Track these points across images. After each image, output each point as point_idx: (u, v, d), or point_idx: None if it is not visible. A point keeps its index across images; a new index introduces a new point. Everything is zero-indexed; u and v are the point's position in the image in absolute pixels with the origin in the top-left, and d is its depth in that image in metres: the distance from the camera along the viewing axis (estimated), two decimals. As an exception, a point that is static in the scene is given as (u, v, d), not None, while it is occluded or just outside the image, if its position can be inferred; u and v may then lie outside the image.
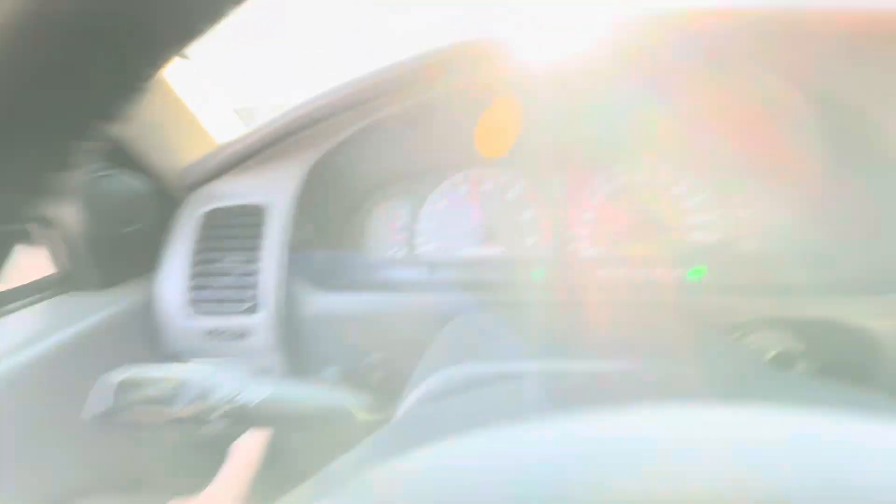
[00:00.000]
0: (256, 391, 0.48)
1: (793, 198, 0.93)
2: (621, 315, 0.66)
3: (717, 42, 0.64)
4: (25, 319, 0.78)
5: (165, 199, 0.99)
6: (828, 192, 0.84)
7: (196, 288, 0.89)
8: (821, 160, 0.80)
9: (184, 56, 0.96)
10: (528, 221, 1.07)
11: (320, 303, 0.88)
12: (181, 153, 0.98)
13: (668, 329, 0.63)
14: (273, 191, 0.90)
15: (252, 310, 0.87)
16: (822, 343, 0.76)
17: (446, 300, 0.84)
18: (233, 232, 0.93)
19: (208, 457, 0.49)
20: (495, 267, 1.08)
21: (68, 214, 0.83)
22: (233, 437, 0.51)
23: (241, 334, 0.89)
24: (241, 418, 0.46)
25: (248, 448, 0.51)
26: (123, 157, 0.92)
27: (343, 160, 0.93)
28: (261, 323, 0.87)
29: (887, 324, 0.68)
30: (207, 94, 1.04)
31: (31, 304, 0.82)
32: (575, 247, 1.04)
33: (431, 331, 0.80)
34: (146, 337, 0.91)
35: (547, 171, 1.06)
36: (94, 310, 0.84)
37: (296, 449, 0.52)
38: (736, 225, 0.97)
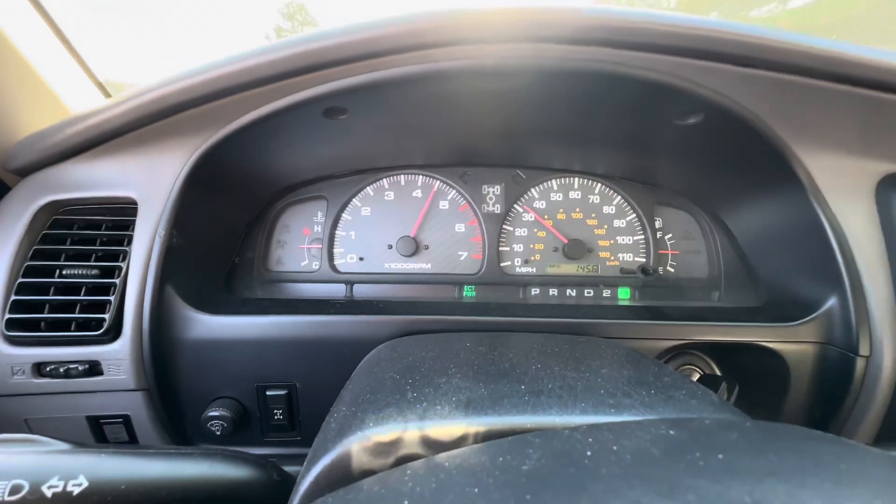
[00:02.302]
0: (78, 472, 0.32)
1: (710, 225, 0.98)
2: (553, 343, 0.61)
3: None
4: None
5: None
6: (745, 220, 0.89)
7: (17, 306, 0.65)
8: (739, 187, 0.85)
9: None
10: (461, 235, 0.99)
11: (206, 326, 0.70)
12: (10, 123, 0.73)
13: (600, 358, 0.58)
14: (148, 182, 0.71)
15: (109, 335, 0.66)
16: (738, 366, 0.79)
17: (367, 322, 0.72)
18: (84, 233, 0.71)
19: None
20: (422, 284, 0.98)
21: None
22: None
23: (90, 368, 0.67)
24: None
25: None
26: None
27: (244, 151, 0.76)
28: (121, 352, 0.67)
29: (793, 347, 0.72)
30: (61, 46, 0.80)
31: None
32: (508, 264, 0.99)
33: (349, 356, 0.68)
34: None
35: (485, 181, 1.00)
36: None
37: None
38: (660, 249, 0.99)
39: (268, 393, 0.74)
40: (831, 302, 0.71)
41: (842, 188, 0.70)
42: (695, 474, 0.25)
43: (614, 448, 0.29)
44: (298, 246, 0.98)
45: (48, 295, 0.67)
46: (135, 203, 0.70)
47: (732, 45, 0.59)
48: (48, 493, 0.30)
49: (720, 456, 0.27)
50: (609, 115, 0.76)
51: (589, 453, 0.29)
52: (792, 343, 0.72)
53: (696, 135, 0.75)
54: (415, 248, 0.97)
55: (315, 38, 0.59)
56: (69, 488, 0.31)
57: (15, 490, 0.29)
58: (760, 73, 0.61)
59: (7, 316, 0.64)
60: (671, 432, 0.31)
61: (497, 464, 0.29)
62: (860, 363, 0.67)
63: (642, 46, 0.59)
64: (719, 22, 0.58)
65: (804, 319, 0.72)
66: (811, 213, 0.70)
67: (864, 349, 0.66)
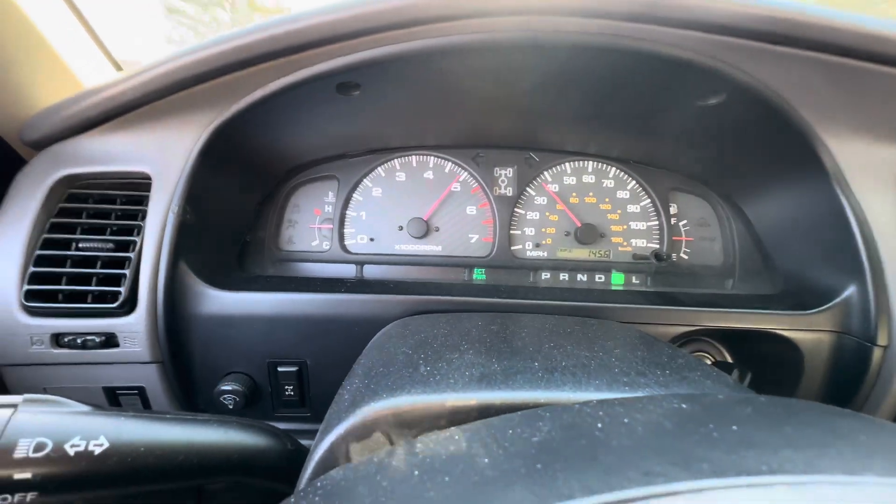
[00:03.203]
0: (99, 433, 0.32)
1: (727, 212, 0.96)
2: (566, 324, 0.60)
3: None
4: None
5: (-1, 156, 0.74)
6: (763, 207, 0.87)
7: (37, 278, 0.66)
8: (758, 173, 0.83)
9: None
10: (472, 217, 0.98)
11: (219, 301, 0.71)
12: (26, 95, 0.73)
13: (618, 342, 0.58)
14: (162, 157, 0.71)
15: (125, 308, 0.67)
16: (751, 353, 0.78)
17: (377, 301, 0.72)
18: (99, 207, 0.72)
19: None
20: (432, 266, 0.98)
21: None
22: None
23: (107, 340, 0.69)
24: (72, 482, 0.30)
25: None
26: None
27: (257, 127, 0.76)
28: (136, 325, 0.68)
29: (809, 336, 0.71)
30: (77, 21, 0.80)
31: None
32: (519, 248, 0.98)
33: (359, 335, 0.68)
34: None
35: (498, 163, 0.98)
36: None
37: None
38: (674, 235, 0.98)
39: (279, 369, 0.75)
40: (850, 291, 0.69)
41: (868, 175, 0.68)
42: (709, 446, 0.24)
43: (625, 421, 0.28)
44: (309, 226, 0.98)
45: (65, 267, 0.68)
46: (149, 178, 0.71)
47: (761, 20, 0.57)
48: (71, 452, 0.31)
49: (735, 428, 0.26)
50: (628, 94, 0.74)
51: (599, 426, 0.28)
52: (807, 332, 0.71)
53: (716, 116, 0.73)
54: (425, 229, 0.96)
55: (329, 10, 0.58)
56: (91, 448, 0.31)
57: (39, 447, 0.30)
58: (789, 51, 0.59)
59: (26, 287, 0.65)
60: (683, 406, 0.31)
61: (507, 436, 0.29)
62: (877, 353, 0.65)
63: (667, 21, 0.57)
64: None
65: (821, 308, 0.71)
66: (834, 201, 0.68)
67: (882, 339, 0.65)
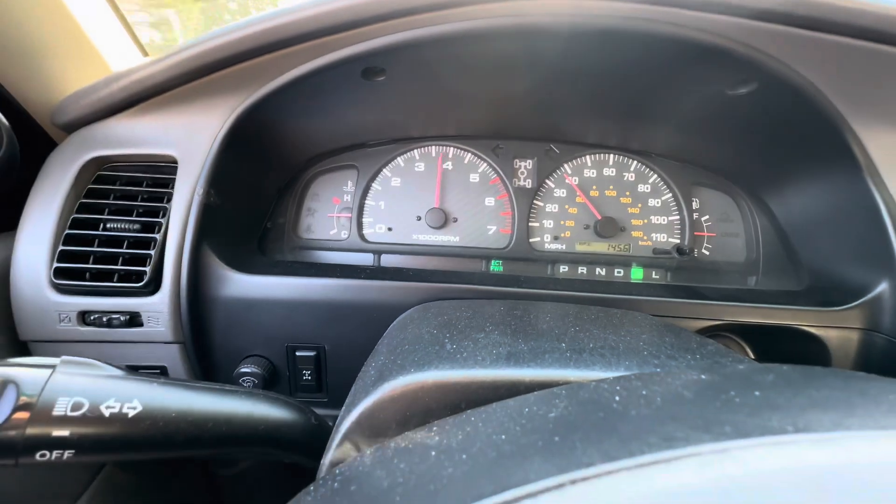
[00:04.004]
0: (133, 396, 0.33)
1: (751, 207, 0.94)
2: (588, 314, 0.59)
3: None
4: None
5: (30, 138, 0.75)
6: (790, 200, 0.85)
7: (66, 256, 0.68)
8: (785, 166, 0.81)
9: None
10: (491, 209, 0.98)
11: (239, 284, 0.71)
12: (57, 79, 0.75)
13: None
14: (188, 141, 0.72)
15: (149, 288, 0.69)
16: (777, 351, 0.76)
17: (396, 287, 0.72)
18: (127, 189, 0.73)
19: None
20: (450, 256, 0.98)
21: None
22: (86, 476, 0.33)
23: (131, 319, 0.70)
24: (107, 442, 0.31)
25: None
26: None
27: (280, 112, 0.77)
28: (160, 305, 0.69)
29: (836, 334, 0.69)
30: (108, 6, 0.81)
31: None
32: (537, 240, 0.98)
33: (377, 322, 0.69)
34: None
35: (518, 154, 0.98)
36: None
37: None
38: (696, 230, 0.96)
39: (297, 353, 0.75)
40: (882, 287, 0.68)
41: (901, 167, 0.66)
42: (731, 410, 0.24)
43: (643, 393, 0.28)
44: (328, 214, 0.99)
45: (93, 247, 0.69)
46: (175, 161, 0.72)
47: (795, 4, 0.56)
48: (106, 413, 0.31)
49: (757, 393, 0.25)
50: (655, 83, 0.73)
51: (617, 398, 0.28)
52: (835, 329, 0.69)
53: (745, 106, 0.72)
54: (444, 220, 0.96)
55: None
56: (125, 410, 0.32)
57: (77, 407, 0.30)
58: (823, 37, 0.58)
59: (56, 265, 0.67)
60: (703, 377, 0.30)
61: (524, 413, 0.28)
62: (910, 351, 0.64)
63: (698, 5, 0.56)
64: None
65: (851, 304, 0.69)
66: (866, 194, 0.67)
67: (915, 337, 0.63)
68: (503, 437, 0.26)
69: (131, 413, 0.32)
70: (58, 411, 0.29)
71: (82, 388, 0.31)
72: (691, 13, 0.57)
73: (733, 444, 0.19)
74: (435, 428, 0.29)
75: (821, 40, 0.59)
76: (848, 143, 0.66)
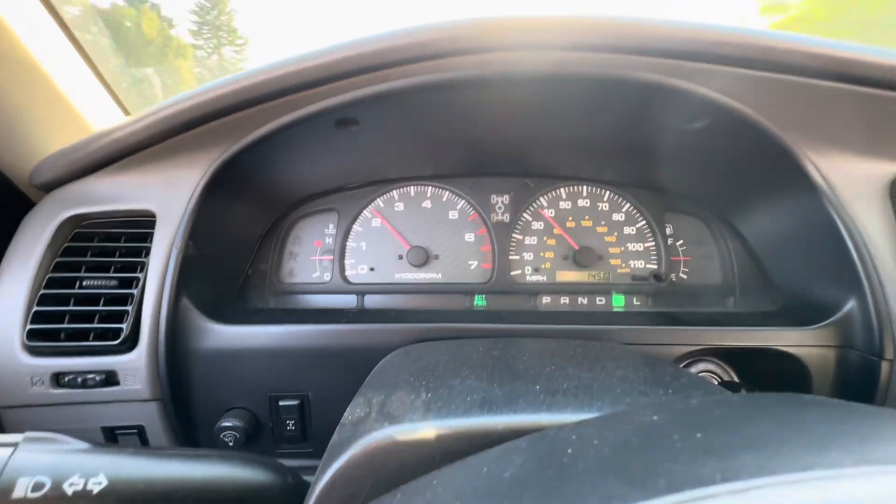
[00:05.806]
0: (99, 470, 0.32)
1: (722, 231, 0.97)
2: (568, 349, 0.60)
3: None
4: None
5: (7, 198, 0.76)
6: (757, 224, 0.88)
7: (39, 317, 0.67)
8: (750, 192, 0.84)
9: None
10: (471, 244, 1.00)
11: (220, 336, 0.71)
12: (36, 140, 0.76)
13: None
14: (166, 195, 0.73)
15: (126, 344, 0.67)
16: (758, 372, 0.77)
17: (378, 331, 0.72)
18: (104, 245, 0.73)
19: None
20: (433, 294, 0.98)
21: None
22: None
23: (107, 378, 0.68)
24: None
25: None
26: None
27: (258, 163, 0.78)
28: (137, 361, 0.68)
29: (813, 352, 0.71)
30: (83, 67, 0.83)
31: None
32: (518, 273, 0.99)
33: (361, 366, 0.68)
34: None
35: (494, 190, 1.00)
36: None
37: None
38: (671, 255, 0.98)
39: (280, 403, 0.74)
40: (850, 304, 0.69)
41: (855, 189, 0.69)
42: (670, 458, 0.24)
43: (595, 443, 0.28)
44: (310, 258, 0.99)
45: (68, 306, 0.68)
46: (153, 216, 0.72)
47: (735, 47, 0.60)
48: (69, 491, 0.30)
49: (698, 435, 0.26)
50: (617, 121, 0.77)
51: (570, 451, 0.28)
52: (812, 347, 0.71)
53: (703, 140, 0.76)
54: (425, 258, 0.97)
55: (326, 52, 0.61)
56: (89, 486, 0.31)
57: (37, 487, 0.29)
58: (764, 75, 0.62)
59: (29, 326, 0.65)
60: (654, 418, 0.31)
61: (482, 474, 0.28)
62: (885, 367, 0.65)
63: (646, 51, 0.60)
64: (721, 25, 0.59)
65: (823, 323, 0.71)
66: (825, 216, 0.70)
67: (888, 352, 0.65)
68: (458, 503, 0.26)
69: (96, 489, 0.31)
70: (17, 493, 0.29)
71: (45, 466, 0.30)
72: (632, 57, 0.61)
73: (661, 502, 0.20)
74: (399, 496, 0.29)
75: (762, 78, 0.63)
76: (803, 170, 0.69)
